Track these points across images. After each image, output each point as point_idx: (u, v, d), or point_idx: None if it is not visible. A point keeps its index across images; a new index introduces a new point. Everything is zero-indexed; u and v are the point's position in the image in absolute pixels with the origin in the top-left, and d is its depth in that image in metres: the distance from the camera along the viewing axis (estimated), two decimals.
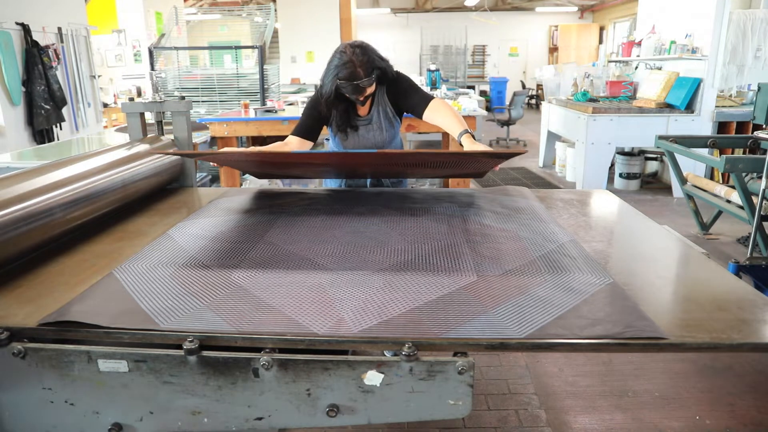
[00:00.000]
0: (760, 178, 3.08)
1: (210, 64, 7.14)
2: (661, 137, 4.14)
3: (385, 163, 1.73)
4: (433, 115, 1.98)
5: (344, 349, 1.04)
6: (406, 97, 2.04)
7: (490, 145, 9.05)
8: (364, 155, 1.63)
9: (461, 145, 1.81)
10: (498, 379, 2.39)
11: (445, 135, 5.30)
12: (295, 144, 2.01)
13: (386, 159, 1.61)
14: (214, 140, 4.61)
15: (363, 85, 1.89)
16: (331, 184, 2.26)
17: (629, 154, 5.86)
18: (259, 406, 1.05)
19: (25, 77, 5.31)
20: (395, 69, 2.06)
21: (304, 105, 2.11)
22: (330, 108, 2.01)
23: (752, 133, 4.36)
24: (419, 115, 2.01)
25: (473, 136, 1.81)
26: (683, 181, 4.22)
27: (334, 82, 1.90)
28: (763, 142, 3.84)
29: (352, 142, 2.11)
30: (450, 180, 4.46)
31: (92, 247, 1.54)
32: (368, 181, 2.16)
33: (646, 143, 5.34)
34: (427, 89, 6.41)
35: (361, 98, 1.95)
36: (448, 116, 1.93)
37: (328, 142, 2.19)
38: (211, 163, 1.87)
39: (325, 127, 2.11)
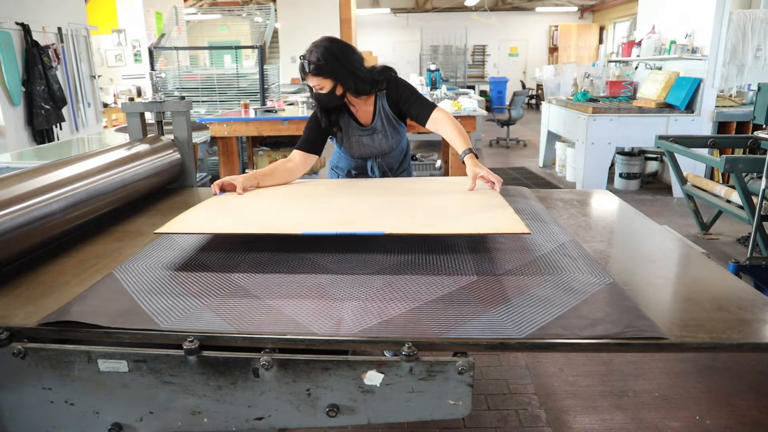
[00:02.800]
0: (760, 178, 3.08)
1: (210, 64, 7.15)
2: (661, 137, 4.14)
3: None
4: (436, 126, 1.99)
5: (344, 349, 1.05)
6: (407, 104, 2.03)
7: (490, 145, 9.05)
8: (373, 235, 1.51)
9: (464, 163, 1.82)
10: (498, 379, 2.39)
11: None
12: (298, 159, 1.98)
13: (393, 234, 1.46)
14: (214, 140, 4.61)
15: (309, 83, 1.89)
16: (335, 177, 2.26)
17: (629, 154, 5.86)
18: (259, 406, 1.05)
19: (25, 77, 5.31)
20: (394, 75, 2.04)
21: (308, 105, 2.11)
22: (325, 116, 2.00)
23: (752, 133, 4.36)
24: (422, 124, 2.02)
25: (476, 156, 1.83)
26: (683, 181, 4.22)
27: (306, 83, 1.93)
28: (763, 142, 3.83)
29: (358, 151, 2.11)
30: (450, 174, 4.44)
31: (92, 247, 1.54)
32: (375, 173, 2.16)
33: (646, 143, 5.34)
34: (427, 90, 6.41)
35: (324, 98, 1.92)
36: (452, 131, 1.94)
37: (333, 141, 2.17)
38: (214, 189, 1.82)
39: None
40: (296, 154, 2.00)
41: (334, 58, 1.85)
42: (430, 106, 2.01)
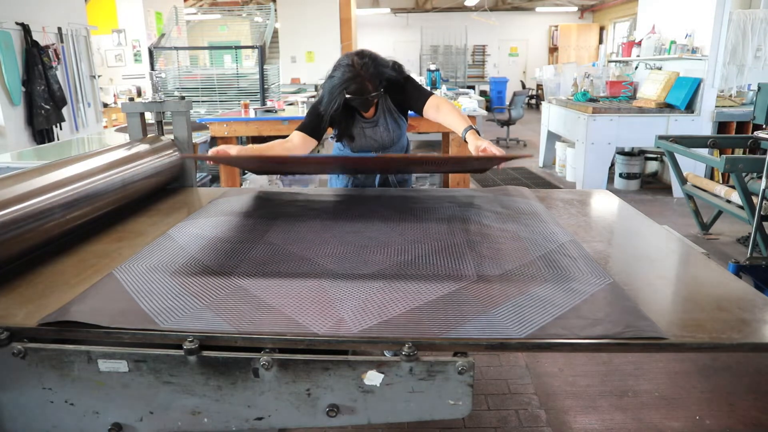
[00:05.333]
0: (760, 178, 3.08)
1: (210, 64, 7.14)
2: (661, 137, 4.14)
3: (387, 164, 1.70)
4: (434, 113, 1.96)
5: (344, 349, 1.04)
6: (405, 95, 2.03)
7: None
8: (365, 159, 1.61)
9: (466, 141, 1.79)
10: (498, 379, 2.39)
11: (445, 135, 5.29)
12: (297, 141, 1.94)
13: (386, 163, 1.57)
14: (214, 140, 4.61)
15: (372, 98, 1.87)
16: (337, 184, 2.25)
17: (629, 154, 5.86)
18: (259, 406, 1.05)
19: (25, 77, 5.31)
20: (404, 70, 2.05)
21: (308, 105, 2.11)
22: (333, 120, 1.97)
23: (752, 133, 4.36)
24: (419, 112, 2.00)
25: (478, 132, 1.79)
26: (683, 181, 4.22)
27: (341, 96, 1.83)
28: (763, 142, 3.84)
29: (359, 144, 2.10)
30: (450, 179, 4.46)
31: (92, 247, 1.54)
32: (376, 180, 2.15)
33: (646, 143, 5.34)
34: (427, 89, 6.41)
35: (368, 110, 1.94)
36: (450, 113, 1.91)
37: (333, 140, 2.17)
38: (209, 162, 1.81)
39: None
40: (296, 135, 1.95)
41: (386, 67, 1.91)
42: (426, 94, 2.00)
